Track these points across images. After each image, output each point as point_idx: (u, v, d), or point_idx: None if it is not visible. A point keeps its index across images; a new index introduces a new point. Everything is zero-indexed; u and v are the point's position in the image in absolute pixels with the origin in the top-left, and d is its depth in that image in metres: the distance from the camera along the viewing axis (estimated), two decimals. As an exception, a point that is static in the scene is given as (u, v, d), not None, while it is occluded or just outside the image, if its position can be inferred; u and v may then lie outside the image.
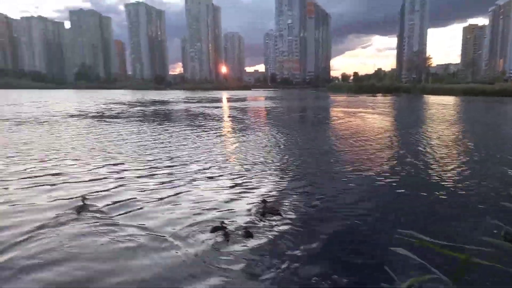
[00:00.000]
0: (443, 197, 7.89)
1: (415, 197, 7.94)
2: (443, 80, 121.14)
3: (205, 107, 41.98)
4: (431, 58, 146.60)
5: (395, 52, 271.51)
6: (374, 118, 27.10)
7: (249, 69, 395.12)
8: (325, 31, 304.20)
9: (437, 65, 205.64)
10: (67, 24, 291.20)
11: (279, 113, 34.32)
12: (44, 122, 23.70)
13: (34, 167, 10.38)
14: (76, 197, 7.42)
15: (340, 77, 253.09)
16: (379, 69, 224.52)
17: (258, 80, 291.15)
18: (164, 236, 5.65)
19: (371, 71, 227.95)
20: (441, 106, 41.02)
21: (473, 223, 6.42)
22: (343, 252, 5.29)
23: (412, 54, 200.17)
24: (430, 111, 34.87)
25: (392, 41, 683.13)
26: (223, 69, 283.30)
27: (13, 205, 7.14)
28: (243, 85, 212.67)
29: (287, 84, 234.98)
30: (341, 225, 6.32)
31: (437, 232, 5.97)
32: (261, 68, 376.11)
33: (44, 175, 9.48)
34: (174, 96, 79.08)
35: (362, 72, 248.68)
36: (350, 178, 9.49)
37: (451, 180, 9.22)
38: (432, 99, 59.92)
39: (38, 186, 8.52)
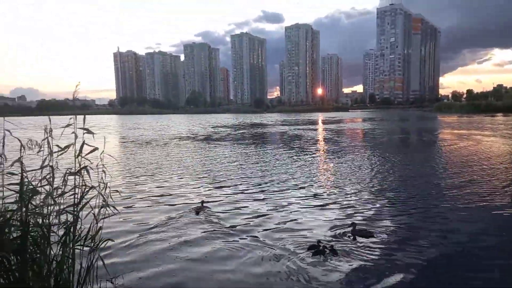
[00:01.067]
0: None
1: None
2: None
3: (301, 129, 42.60)
4: None
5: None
6: (492, 141, 23.80)
7: (346, 90, 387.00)
8: (433, 46, 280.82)
9: None
10: (182, 57, 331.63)
11: (377, 135, 32.76)
12: (162, 144, 27.35)
13: (157, 183, 12.20)
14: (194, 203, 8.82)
15: (450, 95, 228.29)
16: (500, 86, 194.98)
17: (355, 101, 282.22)
18: (266, 245, 6.30)
19: (489, 88, 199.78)
20: None
21: None
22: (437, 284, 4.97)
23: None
24: None
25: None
26: (319, 91, 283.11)
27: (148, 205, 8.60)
28: (339, 106, 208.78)
29: (388, 104, 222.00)
30: (436, 254, 5.90)
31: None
32: (359, 89, 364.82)
33: (166, 188, 11.10)
34: (272, 119, 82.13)
35: (477, 89, 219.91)
36: (453, 206, 8.67)
37: None
38: None
39: (160, 196, 10.02)
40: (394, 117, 79.65)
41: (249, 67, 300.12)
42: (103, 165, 4.30)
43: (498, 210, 8.34)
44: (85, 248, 4.45)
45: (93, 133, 4.16)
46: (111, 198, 4.51)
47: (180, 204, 9.30)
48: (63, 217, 4.23)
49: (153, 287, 4.96)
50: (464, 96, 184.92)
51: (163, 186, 11.45)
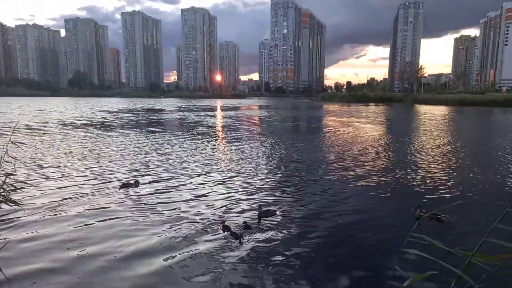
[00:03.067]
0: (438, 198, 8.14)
1: (404, 204, 8.17)
2: (435, 90, 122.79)
3: (201, 115, 42.17)
4: (423, 68, 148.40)
5: (388, 62, 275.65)
6: (367, 128, 27.51)
7: (243, 77, 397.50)
8: (320, 41, 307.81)
9: (429, 75, 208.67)
10: (63, 32, 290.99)
11: (273, 122, 34.64)
12: (47, 132, 23.73)
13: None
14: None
15: (333, 86, 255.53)
16: (372, 79, 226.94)
17: (252, 88, 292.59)
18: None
19: (364, 80, 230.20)
20: (432, 116, 41.72)
21: (473, 226, 6.67)
22: (342, 251, 5.50)
23: (404, 65, 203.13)
24: (421, 121, 35.47)
25: (385, 51, 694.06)
26: (218, 78, 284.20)
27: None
28: (237, 93, 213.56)
29: (281, 92, 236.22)
30: (333, 228, 6.53)
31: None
32: (255, 77, 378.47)
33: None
34: (169, 105, 79.22)
35: (355, 81, 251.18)
36: (343, 186, 9.73)
37: (441, 188, 9.49)
38: (423, 108, 60.84)
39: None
40: (287, 105, 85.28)
41: (143, 49, 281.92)
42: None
43: (373, 190, 9.69)
44: None
45: None
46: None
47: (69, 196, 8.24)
48: None
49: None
50: (345, 87, 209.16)
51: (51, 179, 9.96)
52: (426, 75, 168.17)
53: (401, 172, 11.63)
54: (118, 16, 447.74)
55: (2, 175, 3.65)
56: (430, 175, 11.30)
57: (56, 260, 5.29)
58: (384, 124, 33.16)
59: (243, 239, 6.02)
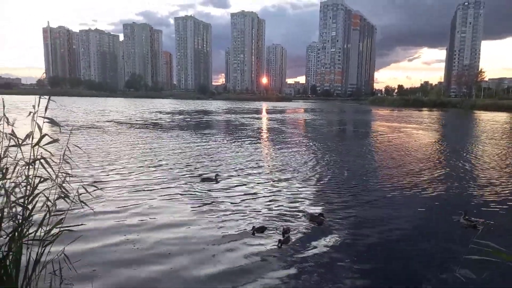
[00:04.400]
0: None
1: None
2: (496, 96, 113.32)
3: (248, 118, 43.02)
4: (483, 72, 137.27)
5: (443, 65, 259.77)
6: (419, 134, 26.40)
7: (290, 80, 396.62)
8: (370, 43, 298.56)
9: (489, 79, 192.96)
10: (121, 37, 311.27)
11: (319, 126, 34.40)
12: (108, 131, 25.84)
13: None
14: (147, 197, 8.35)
15: (383, 90, 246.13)
16: (426, 83, 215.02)
17: (298, 91, 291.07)
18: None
19: (417, 84, 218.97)
20: (493, 123, 38.80)
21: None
22: (396, 261, 5.59)
23: (462, 68, 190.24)
24: (480, 128, 33.17)
25: (441, 53, 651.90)
26: (264, 80, 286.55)
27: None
28: (283, 96, 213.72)
29: (328, 95, 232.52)
30: (382, 237, 6.58)
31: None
32: (302, 79, 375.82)
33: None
34: (217, 106, 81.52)
35: (407, 85, 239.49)
36: (392, 195, 9.62)
37: (497, 200, 9.04)
38: (483, 115, 56.65)
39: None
40: (333, 108, 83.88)
41: (194, 52, 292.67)
42: (64, 155, 4.08)
43: (426, 197, 9.46)
44: (36, 242, 4.20)
45: (59, 125, 3.93)
46: (65, 189, 4.24)
47: (141, 194, 9.06)
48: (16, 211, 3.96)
49: (106, 283, 4.83)
50: (396, 91, 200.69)
51: (124, 176, 10.99)
52: (486, 79, 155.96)
53: (456, 183, 11.15)
54: (171, 21, 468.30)
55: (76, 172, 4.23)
56: (488, 187, 10.73)
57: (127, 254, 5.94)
58: (438, 130, 31.53)
59: (284, 243, 6.12)
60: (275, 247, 5.99)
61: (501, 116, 53.84)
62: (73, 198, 4.20)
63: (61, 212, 4.19)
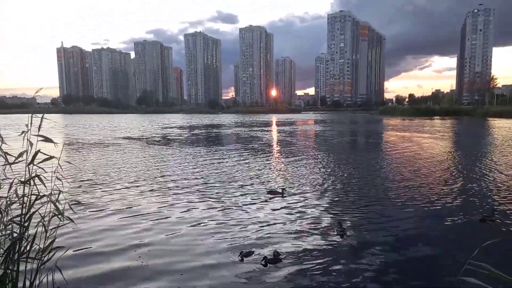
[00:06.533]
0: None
1: (475, 229, 7.65)
2: (510, 102, 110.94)
3: (256, 131, 43.05)
4: (496, 79, 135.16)
5: (455, 73, 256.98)
6: (431, 143, 25.89)
7: (299, 92, 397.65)
8: (379, 53, 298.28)
9: (503, 86, 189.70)
10: (132, 54, 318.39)
11: (329, 137, 34.16)
12: (118, 147, 26.15)
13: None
14: (153, 211, 8.29)
15: (394, 99, 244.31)
16: (437, 91, 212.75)
17: (308, 103, 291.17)
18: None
19: (428, 93, 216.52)
20: (508, 130, 37.86)
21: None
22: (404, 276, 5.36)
23: (474, 75, 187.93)
24: (493, 136, 32.36)
25: (452, 61, 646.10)
26: (273, 93, 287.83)
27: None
28: (293, 108, 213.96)
29: (338, 106, 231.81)
30: (402, 251, 6.35)
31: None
32: (311, 91, 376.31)
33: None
34: (226, 120, 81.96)
35: (418, 94, 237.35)
36: (407, 209, 9.36)
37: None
38: (497, 122, 55.41)
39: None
40: (343, 119, 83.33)
41: (203, 67, 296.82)
42: (56, 172, 4.05)
43: (437, 209, 9.16)
44: (34, 261, 4.15)
45: (53, 141, 3.91)
46: (61, 206, 4.19)
47: (140, 212, 9.03)
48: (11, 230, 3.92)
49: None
50: (407, 100, 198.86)
51: (123, 194, 11.01)
52: (499, 85, 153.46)
53: (470, 193, 10.82)
54: (181, 38, 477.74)
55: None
56: (505, 199, 10.35)
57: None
58: (451, 139, 30.91)
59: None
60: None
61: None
62: (68, 217, 4.15)
63: (55, 227, 4.14)
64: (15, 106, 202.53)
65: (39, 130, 3.82)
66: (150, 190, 11.14)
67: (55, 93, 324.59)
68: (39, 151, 3.85)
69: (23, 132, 3.82)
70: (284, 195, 10.17)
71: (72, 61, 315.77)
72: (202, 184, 12.09)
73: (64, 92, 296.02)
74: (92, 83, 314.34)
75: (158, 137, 33.85)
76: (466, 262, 1.74)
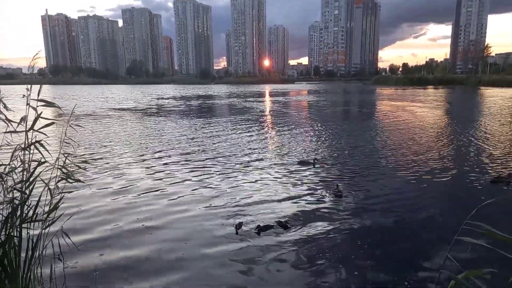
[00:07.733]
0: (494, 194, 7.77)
1: (468, 193, 7.89)
2: (503, 71, 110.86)
3: (251, 101, 42.74)
4: (490, 47, 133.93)
5: (449, 41, 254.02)
6: (423, 112, 26.08)
7: (292, 62, 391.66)
8: (374, 21, 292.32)
9: (496, 54, 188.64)
10: (120, 22, 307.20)
11: (322, 107, 34.13)
12: (111, 117, 25.85)
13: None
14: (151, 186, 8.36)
15: (388, 69, 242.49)
16: (431, 60, 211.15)
17: (301, 73, 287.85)
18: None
19: (422, 62, 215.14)
20: (500, 99, 38.16)
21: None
22: (400, 238, 5.57)
23: (468, 43, 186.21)
24: (486, 105, 32.64)
25: (448, 29, 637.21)
26: (266, 62, 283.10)
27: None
28: (286, 78, 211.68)
29: (331, 76, 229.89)
30: (399, 214, 6.56)
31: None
32: (304, 61, 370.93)
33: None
34: (218, 91, 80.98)
35: (412, 63, 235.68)
36: (404, 175, 9.56)
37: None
38: (490, 91, 55.71)
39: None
40: (337, 89, 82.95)
41: (194, 36, 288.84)
42: (62, 138, 4.03)
43: (428, 176, 9.39)
44: (37, 227, 4.18)
45: (58, 106, 3.87)
46: (66, 171, 4.18)
47: (139, 181, 9.09)
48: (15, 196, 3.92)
49: (111, 267, 4.83)
50: (400, 69, 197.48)
51: (124, 162, 11.02)
52: (493, 54, 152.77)
53: (463, 160, 11.06)
54: (170, 4, 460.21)
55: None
56: (496, 164, 10.61)
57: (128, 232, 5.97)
58: (443, 108, 31.14)
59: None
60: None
61: (509, 92, 52.82)
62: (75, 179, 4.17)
63: (60, 193, 4.14)
64: (1, 77, 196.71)
65: (38, 95, 3.75)
66: (172, 163, 11.17)
67: (42, 63, 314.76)
68: (40, 115, 3.78)
69: (23, 96, 3.75)
70: (316, 165, 10.17)
71: (57, 30, 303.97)
72: (207, 156, 12.16)
73: (51, 62, 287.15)
74: (80, 53, 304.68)
75: (154, 108, 33.46)
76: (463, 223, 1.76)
